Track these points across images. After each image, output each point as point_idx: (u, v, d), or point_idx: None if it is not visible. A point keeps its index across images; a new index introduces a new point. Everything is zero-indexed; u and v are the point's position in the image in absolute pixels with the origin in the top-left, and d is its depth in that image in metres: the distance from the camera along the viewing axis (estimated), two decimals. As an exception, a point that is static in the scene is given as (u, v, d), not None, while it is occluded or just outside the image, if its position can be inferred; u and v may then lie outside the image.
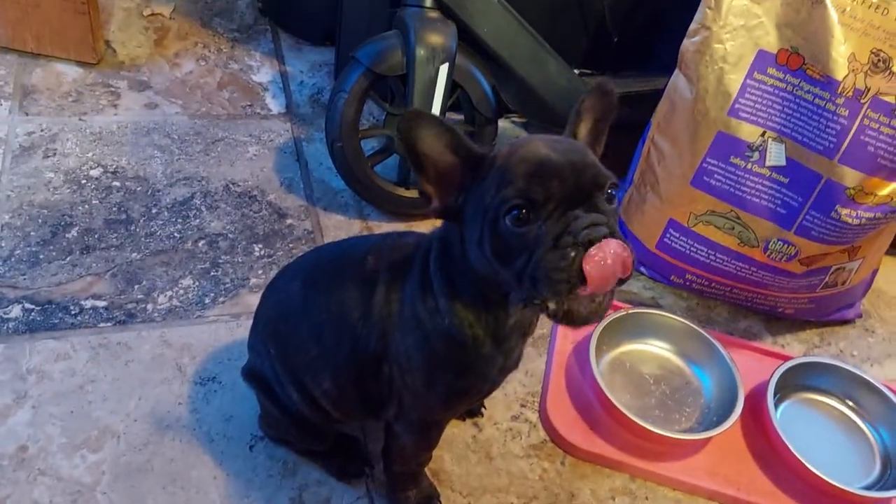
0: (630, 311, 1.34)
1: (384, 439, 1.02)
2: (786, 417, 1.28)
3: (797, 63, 1.22)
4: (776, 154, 1.28)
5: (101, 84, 1.72)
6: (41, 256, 1.33)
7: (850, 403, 1.31)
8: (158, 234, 1.41)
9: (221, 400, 1.17)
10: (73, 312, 1.25)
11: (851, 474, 1.20)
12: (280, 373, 0.96)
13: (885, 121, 1.19)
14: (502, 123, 1.66)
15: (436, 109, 1.40)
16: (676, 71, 1.33)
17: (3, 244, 1.33)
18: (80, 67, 1.74)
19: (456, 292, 0.80)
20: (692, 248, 1.42)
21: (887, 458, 1.24)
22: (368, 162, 1.47)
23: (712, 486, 1.17)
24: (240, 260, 1.39)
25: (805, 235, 1.30)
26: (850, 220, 1.26)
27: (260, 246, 1.43)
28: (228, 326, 1.27)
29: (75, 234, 1.38)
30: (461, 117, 1.54)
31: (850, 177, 1.23)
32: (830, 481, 1.13)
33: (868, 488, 1.19)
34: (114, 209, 1.44)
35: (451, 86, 1.41)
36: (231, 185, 1.54)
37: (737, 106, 1.27)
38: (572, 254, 0.66)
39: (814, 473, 1.14)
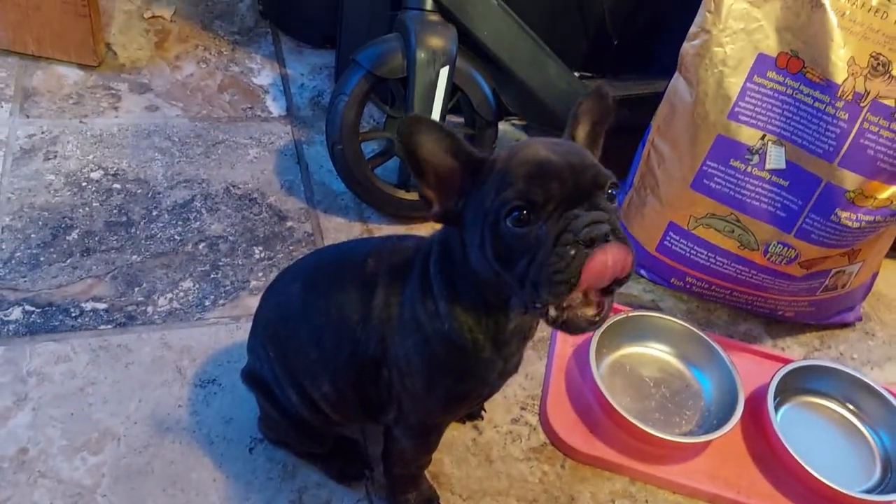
0: (630, 314, 1.34)
1: (384, 442, 1.02)
2: (786, 421, 1.28)
3: (797, 66, 1.22)
4: (776, 157, 1.28)
5: (102, 86, 1.72)
6: (42, 259, 1.33)
7: (851, 407, 1.31)
8: (159, 236, 1.41)
9: (221, 402, 1.17)
10: (73, 315, 1.25)
11: (852, 478, 1.20)
12: (279, 375, 0.96)
13: (885, 124, 1.19)
14: (502, 126, 1.66)
15: (436, 112, 1.40)
16: (676, 74, 1.33)
17: (3, 246, 1.33)
18: (81, 70, 1.74)
19: (456, 296, 0.80)
20: (692, 251, 1.42)
21: (888, 462, 1.24)
22: (369, 164, 1.47)
23: (712, 489, 1.17)
24: (240, 262, 1.40)
25: (805, 238, 1.30)
26: (849, 224, 1.26)
27: (260, 248, 1.43)
28: (228, 329, 1.27)
29: (76, 236, 1.38)
30: (461, 120, 1.55)
31: (849, 180, 1.23)
32: (831, 485, 1.13)
33: (868, 492, 1.18)
34: (114, 211, 1.44)
35: (452, 89, 1.41)
36: (231, 188, 1.54)
37: (736, 109, 1.27)
38: (572, 252, 0.66)
39: (814, 477, 1.14)
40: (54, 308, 1.25)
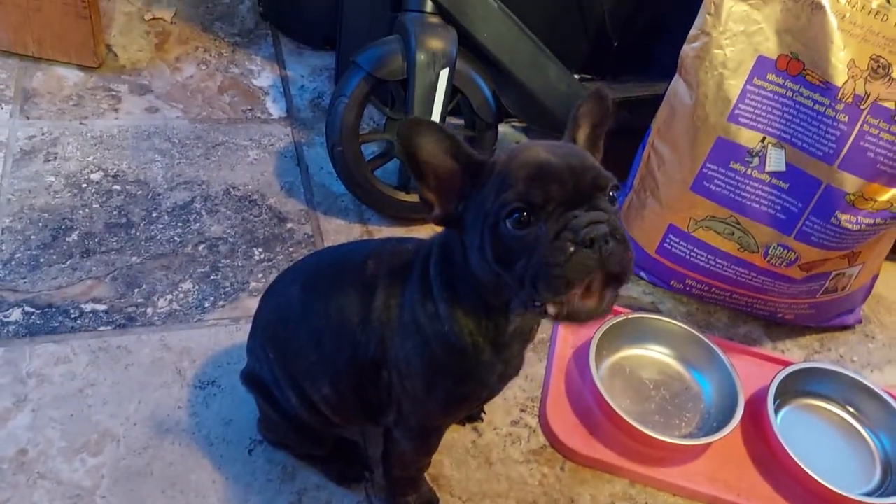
0: (630, 316, 1.34)
1: (384, 444, 1.02)
2: (786, 423, 1.27)
3: (797, 69, 1.22)
4: (776, 159, 1.28)
5: (102, 88, 1.72)
6: (41, 260, 1.33)
7: (851, 409, 1.31)
8: (159, 237, 1.41)
9: (221, 404, 1.17)
10: (73, 316, 1.25)
11: (852, 480, 1.20)
12: (279, 377, 0.96)
13: (885, 126, 1.19)
14: (502, 128, 1.67)
15: (436, 114, 1.40)
16: (676, 76, 1.33)
17: (3, 248, 1.33)
18: (82, 71, 1.74)
19: (456, 298, 0.80)
20: (692, 254, 1.42)
21: (888, 465, 1.24)
22: (369, 166, 1.47)
23: (712, 491, 1.17)
24: (240, 264, 1.40)
25: (805, 241, 1.30)
26: (849, 226, 1.26)
27: (260, 250, 1.43)
28: (228, 330, 1.27)
29: (76, 237, 1.38)
30: (461, 122, 1.55)
31: (849, 182, 1.23)
32: (831, 487, 1.13)
33: (868, 495, 1.18)
34: (114, 213, 1.44)
35: (452, 91, 1.41)
36: (231, 189, 1.54)
37: (736, 111, 1.27)
38: (571, 248, 0.66)
39: (814, 479, 1.14)
40: (54, 309, 1.25)
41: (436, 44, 1.36)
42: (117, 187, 1.49)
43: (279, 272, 1.05)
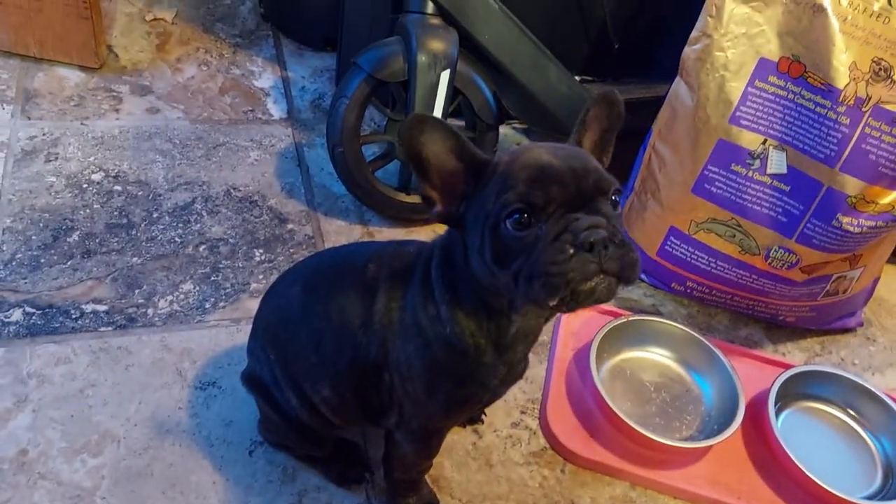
0: (631, 319, 1.34)
1: (384, 446, 1.02)
2: (787, 426, 1.27)
3: (798, 71, 1.22)
4: (777, 162, 1.28)
5: (103, 89, 1.72)
6: (42, 260, 1.33)
7: (852, 412, 1.31)
8: (159, 238, 1.41)
9: (221, 405, 1.16)
10: (73, 316, 1.25)
11: (853, 484, 1.20)
12: (279, 378, 0.96)
13: (887, 129, 1.19)
14: (503, 130, 1.67)
15: (437, 116, 1.40)
16: (677, 78, 1.33)
17: (4, 248, 1.33)
18: (83, 72, 1.74)
19: (457, 300, 0.80)
20: (693, 256, 1.42)
21: (889, 468, 1.24)
22: (369, 167, 1.47)
23: (713, 494, 1.16)
24: (240, 265, 1.39)
25: (806, 243, 1.30)
26: (851, 229, 1.26)
27: (261, 251, 1.43)
28: (229, 331, 1.27)
29: (76, 238, 1.38)
30: (462, 123, 1.55)
31: (851, 185, 1.23)
32: (832, 491, 1.13)
33: (870, 498, 1.18)
34: (115, 213, 1.44)
35: (453, 92, 1.41)
36: (232, 190, 1.54)
37: (738, 114, 1.27)
38: (571, 251, 0.66)
39: (815, 483, 1.14)
40: (55, 310, 1.25)
41: (437, 45, 1.36)
42: (118, 188, 1.49)
43: (280, 273, 1.05)
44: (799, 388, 1.31)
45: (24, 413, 1.11)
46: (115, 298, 1.29)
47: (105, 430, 1.11)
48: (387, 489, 1.07)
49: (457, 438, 1.19)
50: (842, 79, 1.18)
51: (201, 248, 1.41)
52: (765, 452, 1.22)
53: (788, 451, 1.17)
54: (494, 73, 1.48)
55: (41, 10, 1.64)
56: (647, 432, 1.15)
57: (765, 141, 1.27)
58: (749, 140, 1.28)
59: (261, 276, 1.38)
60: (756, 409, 1.26)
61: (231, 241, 1.44)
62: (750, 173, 1.30)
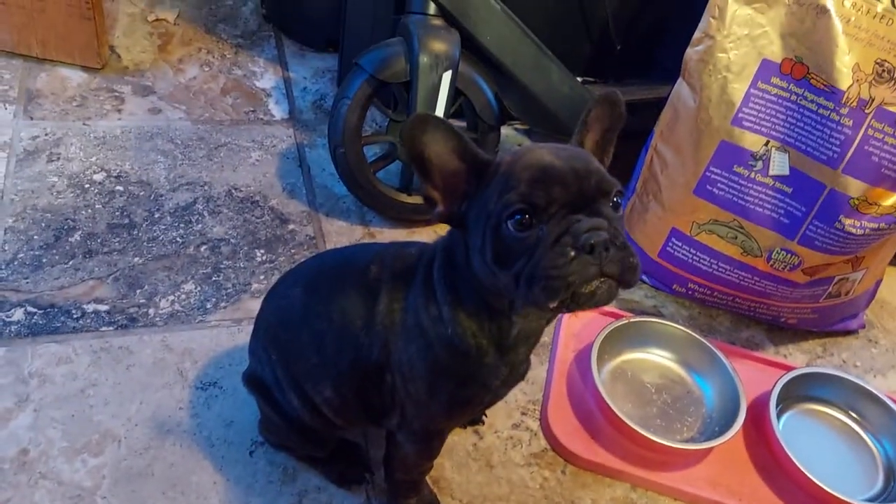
0: (632, 320, 1.34)
1: (386, 447, 1.02)
2: (788, 428, 1.27)
3: (801, 72, 1.22)
4: (779, 163, 1.28)
5: (106, 89, 1.72)
6: (44, 260, 1.33)
7: (853, 414, 1.31)
8: (161, 238, 1.41)
9: (222, 405, 1.16)
10: (75, 316, 1.25)
11: (854, 486, 1.20)
12: (281, 379, 0.96)
13: (890, 131, 1.19)
14: (505, 130, 1.67)
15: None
16: (680, 79, 1.33)
17: (6, 248, 1.33)
18: (85, 72, 1.75)
19: (459, 301, 0.80)
20: (694, 257, 1.42)
21: (890, 470, 1.24)
22: (371, 168, 1.47)
23: (714, 496, 1.16)
24: (242, 265, 1.39)
25: (808, 245, 1.30)
26: (853, 231, 1.26)
27: (262, 251, 1.43)
28: (230, 331, 1.27)
29: (78, 238, 1.38)
30: (464, 124, 1.55)
31: (853, 187, 1.23)
32: (833, 493, 1.13)
33: (871, 500, 1.18)
34: (117, 214, 1.44)
35: (455, 93, 1.41)
36: (233, 191, 1.54)
37: (740, 115, 1.27)
38: (571, 253, 0.66)
39: (817, 485, 1.13)
40: (56, 309, 1.25)
41: (439, 46, 1.36)
42: (120, 188, 1.49)
43: (281, 274, 1.05)
44: (800, 390, 1.31)
45: (25, 413, 1.11)
46: (117, 298, 1.29)
47: (106, 429, 1.11)
48: (387, 490, 1.07)
49: (457, 439, 1.19)
50: (845, 80, 1.18)
51: (203, 249, 1.41)
52: (766, 454, 1.22)
53: (790, 453, 1.17)
54: (496, 73, 1.48)
55: (44, 11, 1.65)
56: (648, 434, 1.15)
57: (767, 142, 1.27)
58: (751, 141, 1.28)
59: (262, 277, 1.38)
60: (757, 411, 1.26)
61: (232, 241, 1.44)
62: (752, 175, 1.29)
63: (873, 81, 1.17)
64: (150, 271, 1.35)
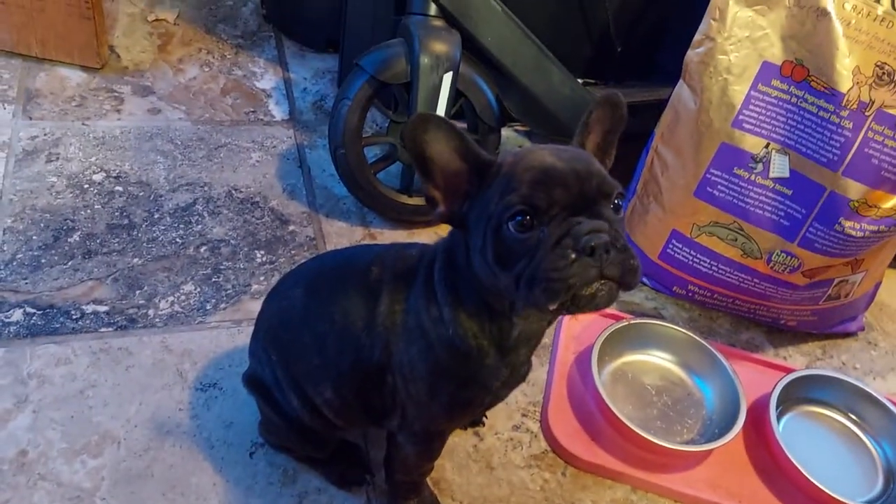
0: (632, 322, 1.34)
1: (386, 448, 1.02)
2: (788, 430, 1.27)
3: (802, 75, 1.22)
4: (780, 166, 1.28)
5: (105, 89, 1.72)
6: (43, 261, 1.32)
7: (853, 417, 1.31)
8: (160, 239, 1.41)
9: (222, 406, 1.16)
10: (74, 317, 1.25)
11: (854, 488, 1.20)
12: (281, 380, 0.96)
13: (890, 133, 1.19)
14: (505, 132, 1.67)
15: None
16: (680, 81, 1.33)
17: (5, 248, 1.33)
18: (84, 72, 1.74)
19: (460, 302, 0.80)
20: (695, 259, 1.42)
21: (890, 473, 1.24)
22: (371, 169, 1.47)
23: (714, 498, 1.16)
24: (241, 266, 1.39)
25: (808, 247, 1.30)
26: (853, 233, 1.26)
27: (262, 252, 1.43)
28: (230, 332, 1.27)
29: (77, 238, 1.38)
30: (465, 125, 1.55)
31: (853, 189, 1.23)
32: (833, 495, 1.13)
33: (871, 502, 1.18)
34: (116, 214, 1.44)
35: (455, 94, 1.41)
36: (233, 191, 1.54)
37: (741, 117, 1.27)
38: (572, 255, 0.66)
39: (816, 487, 1.13)
40: (55, 310, 1.25)
41: (439, 47, 1.36)
42: (119, 188, 1.49)
43: (281, 275, 1.05)
44: (800, 393, 1.31)
45: (24, 414, 1.11)
46: (116, 299, 1.29)
47: (105, 431, 1.10)
48: (388, 491, 1.07)
49: (458, 441, 1.19)
50: (845, 83, 1.18)
51: (202, 249, 1.41)
52: (766, 456, 1.22)
53: (790, 456, 1.17)
54: (497, 75, 1.48)
55: (43, 10, 1.64)
56: (649, 436, 1.15)
57: (767, 145, 1.27)
58: (752, 144, 1.28)
59: (262, 278, 1.38)
60: (757, 413, 1.26)
61: (232, 242, 1.43)
62: (752, 177, 1.30)
63: (873, 84, 1.18)
64: (150, 272, 1.35)
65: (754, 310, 1.46)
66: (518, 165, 0.71)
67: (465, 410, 0.89)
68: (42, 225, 1.38)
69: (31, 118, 1.60)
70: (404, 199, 1.51)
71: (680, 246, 1.42)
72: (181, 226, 1.44)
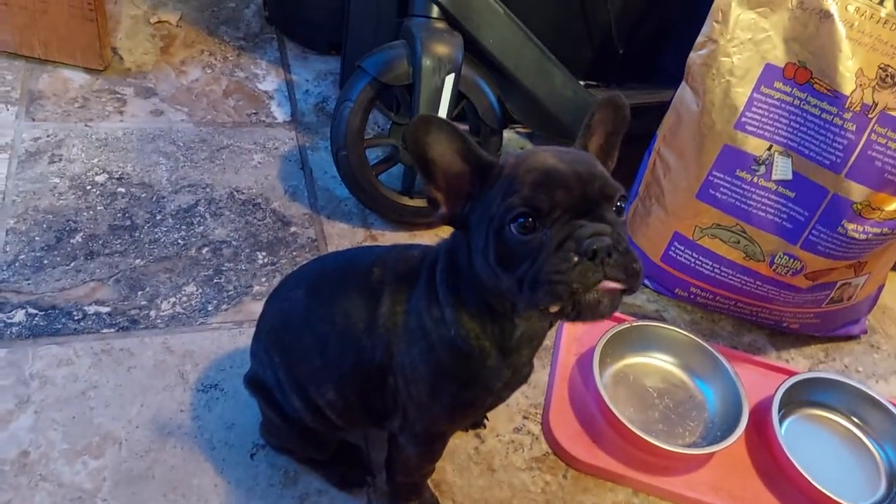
0: (634, 324, 1.34)
1: (388, 450, 1.02)
2: (790, 433, 1.27)
3: (804, 77, 1.22)
4: (782, 168, 1.27)
5: (108, 91, 1.72)
6: (45, 262, 1.32)
7: (856, 420, 1.31)
8: (162, 240, 1.41)
9: (223, 407, 1.16)
10: (76, 318, 1.25)
11: (857, 492, 1.19)
12: (283, 381, 0.96)
13: (893, 136, 1.19)
14: (507, 134, 1.67)
15: (442, 119, 1.40)
16: (683, 83, 1.32)
17: (7, 249, 1.33)
18: (87, 74, 1.75)
19: (462, 303, 0.80)
20: (697, 262, 1.41)
21: (893, 476, 1.23)
22: (373, 171, 1.47)
23: (716, 501, 1.16)
24: (243, 267, 1.39)
25: (811, 250, 1.30)
26: (856, 236, 1.26)
27: (263, 254, 1.43)
28: (231, 334, 1.27)
29: (80, 239, 1.38)
30: (466, 127, 1.54)
31: (856, 192, 1.23)
32: (836, 499, 1.12)
33: (873, 506, 1.18)
34: (118, 215, 1.44)
35: (457, 96, 1.41)
36: (235, 193, 1.54)
37: (743, 119, 1.26)
38: (575, 258, 0.66)
39: (819, 490, 1.13)
40: (57, 311, 1.25)
41: (441, 49, 1.36)
42: (122, 190, 1.49)
43: (283, 276, 1.05)
44: (803, 395, 1.30)
45: (25, 414, 1.11)
46: (118, 300, 1.29)
47: (106, 431, 1.10)
48: (389, 493, 1.07)
49: (459, 443, 1.18)
50: (848, 85, 1.18)
51: (204, 251, 1.41)
52: (768, 459, 1.22)
53: (792, 459, 1.16)
54: (499, 77, 1.48)
55: (46, 12, 1.65)
56: (650, 438, 1.14)
57: (770, 147, 1.27)
58: (754, 146, 1.28)
59: (263, 279, 1.38)
60: (759, 416, 1.26)
61: (234, 243, 1.43)
62: (755, 179, 1.29)
63: (877, 86, 1.17)
64: (152, 273, 1.35)
65: (756, 312, 1.46)
66: (520, 167, 0.71)
67: (467, 411, 0.89)
68: (44, 226, 1.39)
69: (33, 119, 1.60)
70: (406, 200, 1.51)
71: (682, 248, 1.42)
72: (183, 227, 1.44)
